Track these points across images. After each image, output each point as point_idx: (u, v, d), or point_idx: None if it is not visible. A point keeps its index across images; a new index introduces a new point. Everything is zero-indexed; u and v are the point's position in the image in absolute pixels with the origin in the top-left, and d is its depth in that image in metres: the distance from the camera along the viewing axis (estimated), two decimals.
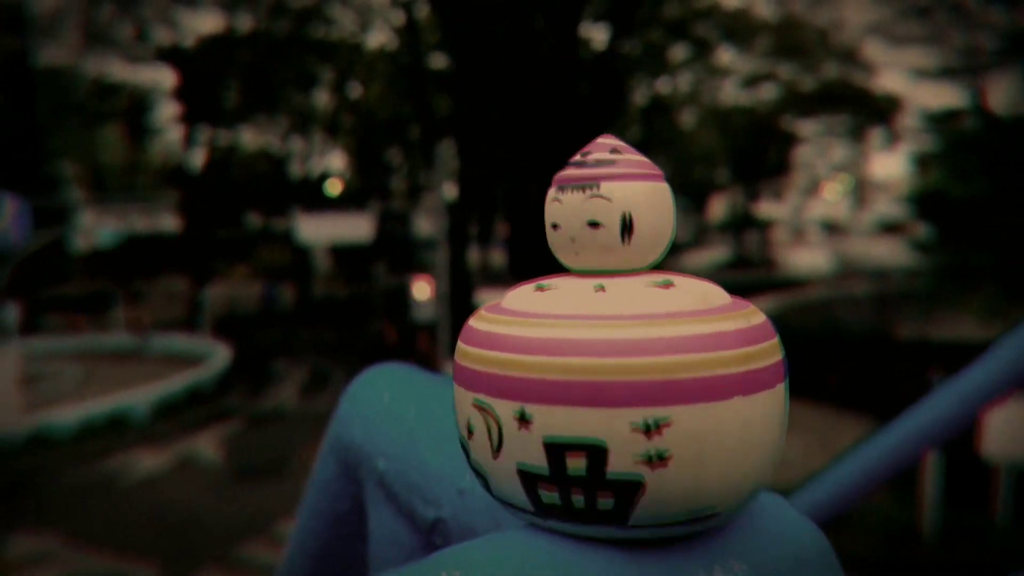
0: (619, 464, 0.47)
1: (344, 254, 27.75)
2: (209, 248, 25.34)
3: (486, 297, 12.41)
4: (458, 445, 0.72)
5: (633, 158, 0.55)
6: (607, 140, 0.57)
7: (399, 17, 21.63)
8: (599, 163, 0.55)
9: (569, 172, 0.56)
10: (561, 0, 16.82)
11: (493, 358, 0.51)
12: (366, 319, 21.30)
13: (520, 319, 0.52)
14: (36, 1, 22.36)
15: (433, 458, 0.75)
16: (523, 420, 0.49)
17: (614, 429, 0.47)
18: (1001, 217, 12.89)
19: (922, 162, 24.51)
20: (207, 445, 11.35)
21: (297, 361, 17.26)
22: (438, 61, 21.37)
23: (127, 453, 10.78)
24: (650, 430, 0.47)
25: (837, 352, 12.74)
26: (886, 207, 38.25)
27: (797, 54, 26.91)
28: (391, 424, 0.81)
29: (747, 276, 27.28)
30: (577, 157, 0.57)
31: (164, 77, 26.67)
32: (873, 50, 29.06)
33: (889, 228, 35.01)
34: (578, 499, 0.49)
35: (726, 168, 35.40)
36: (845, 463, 2.12)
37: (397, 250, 26.24)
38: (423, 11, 20.48)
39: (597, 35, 20.24)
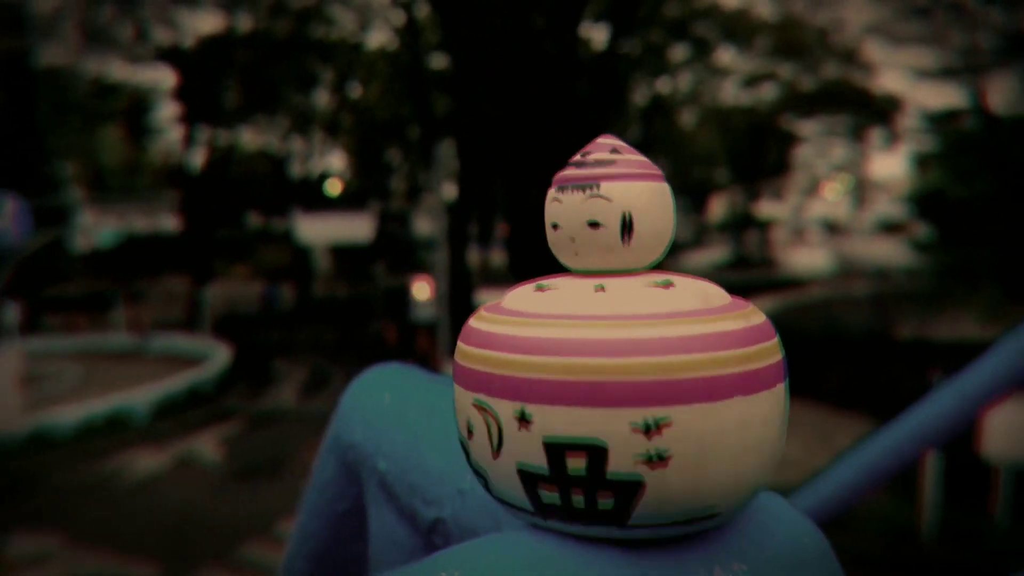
0: (619, 464, 0.47)
1: (344, 254, 27.73)
2: (209, 248, 25.33)
3: (486, 297, 12.41)
4: (458, 445, 0.72)
5: (633, 158, 0.56)
6: (607, 140, 0.57)
7: (399, 17, 21.63)
8: (599, 163, 0.55)
9: (569, 172, 0.56)
10: (561, 0, 16.81)
11: (493, 358, 0.51)
12: (366, 319, 21.28)
13: (520, 319, 0.52)
14: (36, 1, 22.35)
15: (434, 458, 0.75)
16: (523, 420, 0.49)
17: (614, 429, 0.47)
18: (1001, 217, 12.90)
19: (922, 162, 24.54)
20: (207, 445, 11.35)
21: (297, 361, 17.26)
22: (438, 61, 21.36)
23: (127, 453, 10.78)
24: (650, 430, 0.47)
25: (837, 352, 12.74)
26: (886, 207, 38.28)
27: (797, 54, 26.91)
28: (392, 424, 0.81)
29: (747, 276, 27.27)
30: (577, 157, 0.57)
31: (164, 77, 26.65)
32: (873, 50, 29.03)
33: (889, 228, 35.03)
34: (578, 499, 0.49)
35: (726, 168, 35.39)
36: (845, 463, 2.12)
37: (397, 250, 26.22)
38: (423, 11, 20.48)
39: (597, 35, 20.24)
